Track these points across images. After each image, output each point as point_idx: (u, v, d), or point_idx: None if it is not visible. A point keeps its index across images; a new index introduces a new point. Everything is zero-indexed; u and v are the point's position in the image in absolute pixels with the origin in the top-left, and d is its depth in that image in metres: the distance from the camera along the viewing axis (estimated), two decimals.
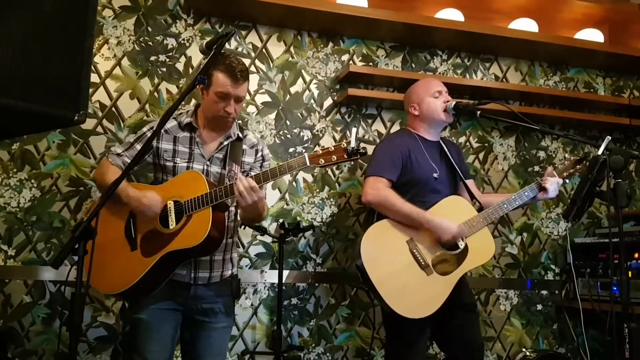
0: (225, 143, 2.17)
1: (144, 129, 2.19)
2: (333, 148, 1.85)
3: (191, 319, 2.11)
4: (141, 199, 2.00)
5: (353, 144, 1.81)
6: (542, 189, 2.50)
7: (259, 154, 2.26)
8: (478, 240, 2.41)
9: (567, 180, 2.56)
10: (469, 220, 2.40)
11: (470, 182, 2.65)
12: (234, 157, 2.16)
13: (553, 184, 2.49)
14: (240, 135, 2.21)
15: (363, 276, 2.28)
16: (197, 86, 1.91)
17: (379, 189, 2.38)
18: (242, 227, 2.83)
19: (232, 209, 2.17)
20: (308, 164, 1.87)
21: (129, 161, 2.09)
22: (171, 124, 2.17)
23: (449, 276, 2.33)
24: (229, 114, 2.08)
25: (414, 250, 2.32)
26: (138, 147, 2.13)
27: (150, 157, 2.15)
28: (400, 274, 2.28)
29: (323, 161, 1.85)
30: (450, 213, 2.39)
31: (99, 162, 2.73)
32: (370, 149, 2.65)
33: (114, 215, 2.10)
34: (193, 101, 2.89)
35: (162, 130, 2.13)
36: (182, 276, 2.06)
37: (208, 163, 2.13)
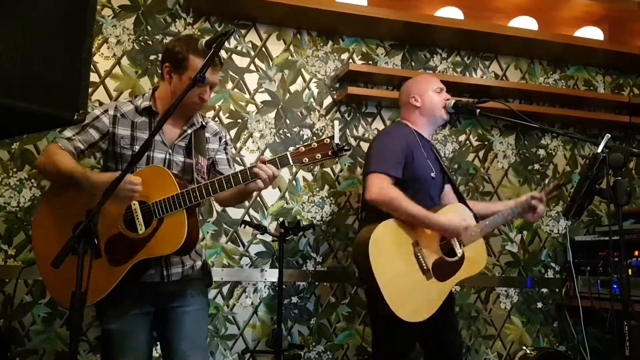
0: (189, 131, 2.05)
1: (97, 112, 1.98)
2: (316, 145, 1.75)
3: (162, 312, 1.98)
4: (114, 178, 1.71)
5: (337, 140, 1.71)
6: (532, 208, 2.53)
7: (223, 140, 2.19)
8: (473, 251, 2.41)
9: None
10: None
11: (457, 188, 2.63)
12: (199, 147, 2.04)
13: (540, 212, 2.53)
14: (204, 123, 2.12)
15: (366, 275, 2.19)
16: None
17: (383, 187, 2.27)
18: (242, 226, 2.83)
19: None
20: (291, 162, 1.77)
21: (81, 146, 1.94)
22: (128, 107, 2.02)
23: (445, 283, 2.31)
24: (203, 101, 2.00)
25: (418, 254, 2.28)
26: (91, 131, 1.95)
27: (104, 143, 1.97)
28: (403, 277, 2.23)
29: (307, 160, 1.75)
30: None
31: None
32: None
33: (65, 217, 1.89)
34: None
35: (119, 115, 1.99)
36: (151, 276, 1.93)
37: (170, 152, 2.00)
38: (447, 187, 2.60)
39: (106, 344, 1.95)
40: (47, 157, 1.92)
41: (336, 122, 1.75)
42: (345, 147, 1.71)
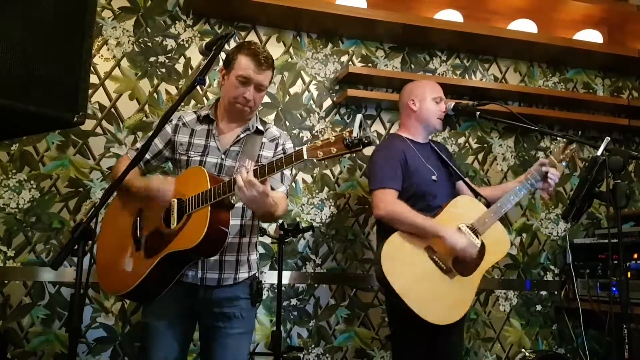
0: (243, 136, 2.05)
1: None
2: (334, 138, 1.61)
3: (205, 325, 2.02)
4: (150, 183, 1.92)
5: (355, 134, 1.58)
6: (544, 176, 2.46)
7: (279, 147, 2.10)
8: (492, 236, 2.40)
9: (564, 163, 2.53)
10: (480, 217, 2.38)
11: (466, 180, 2.65)
12: (249, 151, 2.03)
13: (553, 178, 2.46)
14: (262, 128, 2.09)
15: (389, 291, 2.24)
16: (197, 86, 1.86)
17: (388, 203, 2.32)
18: None
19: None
20: (305, 157, 1.64)
21: (147, 156, 2.06)
22: (190, 116, 2.11)
23: (472, 276, 2.32)
24: (247, 101, 1.98)
25: (434, 257, 2.29)
26: (157, 141, 2.07)
27: (167, 151, 2.09)
28: (424, 283, 2.24)
29: (321, 154, 1.61)
30: (463, 214, 2.37)
31: (114, 162, 2.73)
32: (370, 150, 2.65)
33: (123, 212, 2.05)
34: (192, 102, 2.89)
35: (181, 124, 2.08)
36: (190, 277, 1.96)
37: (223, 157, 2.02)
38: (460, 183, 2.61)
39: (142, 335, 2.06)
40: (116, 169, 2.12)
41: (359, 116, 1.62)
42: (364, 140, 1.55)
